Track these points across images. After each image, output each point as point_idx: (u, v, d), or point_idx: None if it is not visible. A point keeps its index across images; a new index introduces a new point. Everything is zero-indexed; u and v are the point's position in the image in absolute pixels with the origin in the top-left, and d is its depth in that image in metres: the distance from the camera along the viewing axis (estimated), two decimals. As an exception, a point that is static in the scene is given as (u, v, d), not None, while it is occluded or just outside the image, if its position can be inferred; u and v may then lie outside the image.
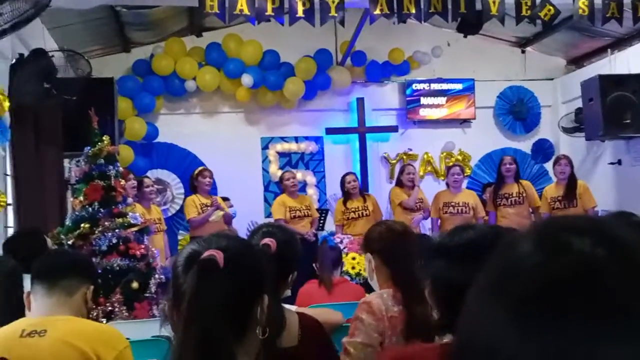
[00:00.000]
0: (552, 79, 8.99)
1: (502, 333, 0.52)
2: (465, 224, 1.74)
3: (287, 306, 2.07)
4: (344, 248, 5.90)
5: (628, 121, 6.93)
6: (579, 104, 7.65)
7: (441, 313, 1.54)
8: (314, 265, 4.13)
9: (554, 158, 7.43)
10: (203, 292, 1.19)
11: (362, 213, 6.76)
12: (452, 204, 6.80)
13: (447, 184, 7.06)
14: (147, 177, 6.76)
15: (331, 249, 4.34)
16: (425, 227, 7.27)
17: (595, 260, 0.53)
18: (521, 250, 0.57)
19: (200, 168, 6.89)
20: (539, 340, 0.50)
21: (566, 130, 8.33)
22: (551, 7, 5.78)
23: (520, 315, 0.52)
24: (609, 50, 7.77)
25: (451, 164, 8.30)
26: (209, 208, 6.51)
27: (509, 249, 0.59)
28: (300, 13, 5.23)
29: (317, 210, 7.47)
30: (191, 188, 6.82)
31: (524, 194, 6.76)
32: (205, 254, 1.23)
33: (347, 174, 7.09)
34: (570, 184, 6.60)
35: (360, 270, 5.76)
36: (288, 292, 2.14)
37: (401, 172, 7.12)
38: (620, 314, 0.49)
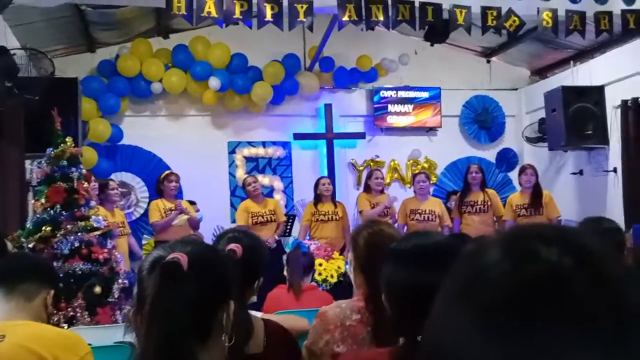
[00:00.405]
0: (516, 89, 9.14)
1: (467, 340, 0.52)
2: (417, 230, 1.76)
3: (252, 312, 2.06)
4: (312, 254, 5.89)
5: (589, 132, 7.10)
6: (542, 114, 7.80)
7: (394, 316, 1.55)
8: (284, 271, 4.12)
9: (519, 167, 7.56)
10: (165, 294, 1.17)
11: (332, 217, 6.80)
12: (419, 211, 6.87)
13: (415, 191, 7.13)
14: (112, 179, 6.66)
15: (303, 254, 4.33)
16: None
17: (563, 269, 0.53)
18: (489, 257, 0.57)
19: (166, 172, 6.83)
20: (504, 348, 0.50)
21: (530, 140, 8.49)
22: (516, 18, 5.88)
23: (486, 322, 0.52)
24: (571, 62, 7.93)
25: (417, 171, 8.38)
26: (173, 212, 6.45)
27: (476, 255, 0.59)
28: (268, 17, 5.22)
29: (285, 215, 7.45)
30: (157, 192, 6.76)
31: (489, 203, 6.87)
32: (169, 257, 1.22)
33: (322, 177, 7.17)
34: (536, 193, 6.73)
35: (326, 277, 5.77)
36: (254, 299, 2.12)
37: (369, 177, 7.18)
38: (587, 322, 0.50)
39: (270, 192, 8.21)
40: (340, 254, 6.10)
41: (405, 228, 6.92)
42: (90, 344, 2.06)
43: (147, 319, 1.17)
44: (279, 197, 8.22)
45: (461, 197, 7.04)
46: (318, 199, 6.91)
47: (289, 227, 7.22)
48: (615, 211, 6.68)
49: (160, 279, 1.18)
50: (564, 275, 0.52)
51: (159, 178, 6.78)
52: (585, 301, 0.51)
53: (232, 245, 1.77)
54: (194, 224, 6.64)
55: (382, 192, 7.16)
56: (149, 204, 7.37)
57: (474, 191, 6.94)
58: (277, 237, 6.80)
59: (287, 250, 7.22)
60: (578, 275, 0.52)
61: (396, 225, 7.11)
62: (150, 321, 1.16)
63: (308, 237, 6.71)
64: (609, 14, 6.00)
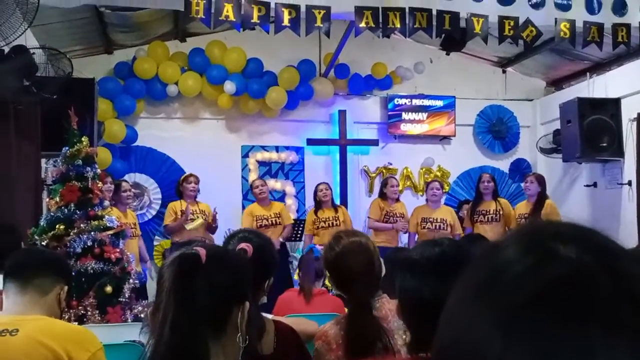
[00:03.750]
0: (531, 100, 9.11)
1: (486, 338, 0.52)
2: (432, 239, 1.73)
3: (262, 314, 2.06)
4: (320, 259, 5.89)
5: (604, 144, 7.05)
6: (557, 125, 7.76)
7: (413, 331, 1.52)
8: (296, 274, 4.11)
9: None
10: (182, 284, 1.19)
11: (333, 223, 6.80)
12: (430, 219, 6.85)
13: (427, 199, 7.11)
14: (125, 180, 6.71)
15: (316, 259, 4.32)
16: (403, 241, 7.30)
17: (586, 266, 0.53)
18: (509, 254, 0.56)
19: (186, 174, 6.90)
20: (527, 346, 0.50)
21: (544, 151, 8.44)
22: (533, 29, 5.87)
23: (508, 320, 0.52)
24: (588, 73, 7.90)
25: (430, 179, 8.37)
26: (181, 217, 6.50)
27: (495, 253, 0.58)
28: (286, 22, 5.24)
29: (295, 220, 7.46)
30: (177, 193, 6.83)
31: (501, 212, 6.84)
32: (188, 250, 1.23)
33: (320, 183, 7.15)
34: (538, 202, 6.70)
35: (336, 281, 5.74)
36: (264, 299, 2.12)
37: (384, 184, 7.19)
38: (613, 321, 0.49)
39: (282, 196, 8.22)
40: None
41: (417, 237, 6.90)
42: (101, 342, 2.07)
43: (162, 309, 1.18)
44: (290, 202, 8.23)
45: (473, 206, 7.02)
46: (318, 205, 6.92)
47: (299, 232, 7.21)
48: (629, 225, 6.63)
49: (178, 269, 1.20)
50: (588, 273, 0.52)
51: (179, 180, 6.85)
52: (610, 299, 0.50)
53: (243, 245, 1.77)
54: (212, 230, 6.68)
55: (397, 200, 7.16)
56: (162, 205, 7.42)
57: (486, 200, 6.92)
58: (281, 240, 6.79)
59: (297, 254, 7.25)
60: (601, 273, 0.52)
61: (407, 233, 7.11)
62: (166, 311, 1.17)
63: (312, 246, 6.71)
64: (627, 26, 5.98)
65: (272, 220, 6.80)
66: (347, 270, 2.17)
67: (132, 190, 6.61)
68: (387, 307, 2.15)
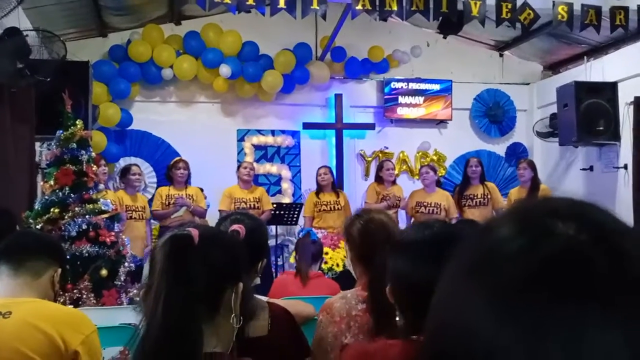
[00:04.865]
0: (528, 84, 9.08)
1: (479, 318, 0.51)
2: (425, 221, 1.71)
3: (256, 296, 2.05)
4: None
5: (601, 128, 7.04)
6: (554, 109, 7.75)
7: (405, 315, 1.51)
8: (294, 257, 4.13)
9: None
10: (175, 264, 1.18)
11: (334, 207, 6.81)
12: (425, 203, 6.86)
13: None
14: (136, 164, 6.73)
15: (313, 242, 4.34)
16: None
17: (583, 244, 0.51)
18: (503, 233, 0.55)
19: (175, 159, 6.89)
20: (521, 326, 0.49)
21: (540, 135, 8.44)
22: (531, 11, 5.84)
23: (501, 299, 0.51)
24: (585, 57, 7.87)
25: (426, 164, 8.37)
26: (172, 206, 6.51)
27: (489, 232, 0.57)
28: (282, 4, 5.20)
29: (291, 204, 7.45)
30: (167, 178, 6.82)
31: (489, 196, 6.87)
32: (181, 231, 1.22)
33: (321, 167, 7.15)
34: (533, 187, 6.73)
35: (332, 265, 5.77)
36: (257, 280, 2.12)
37: (380, 168, 7.19)
38: (608, 300, 0.48)
39: (278, 180, 8.22)
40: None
41: (412, 220, 6.91)
42: (95, 325, 2.07)
43: (155, 290, 1.17)
44: (286, 185, 8.23)
45: (460, 190, 7.03)
46: (319, 188, 6.92)
47: (295, 215, 7.20)
48: (624, 208, 6.64)
49: (170, 250, 1.19)
50: (585, 251, 0.51)
51: (168, 165, 6.83)
52: (606, 278, 0.49)
53: (235, 226, 1.76)
54: (199, 214, 6.67)
55: (394, 182, 7.16)
56: (157, 189, 7.40)
57: (474, 185, 6.94)
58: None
59: (293, 239, 7.26)
60: (598, 251, 0.51)
61: (404, 211, 7.12)
62: (158, 292, 1.17)
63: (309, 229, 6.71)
64: (625, 9, 5.95)
65: (250, 204, 6.76)
66: (372, 238, 2.18)
67: (141, 174, 6.61)
68: None
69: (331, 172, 7.11)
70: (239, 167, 7.10)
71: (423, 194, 6.96)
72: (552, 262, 0.50)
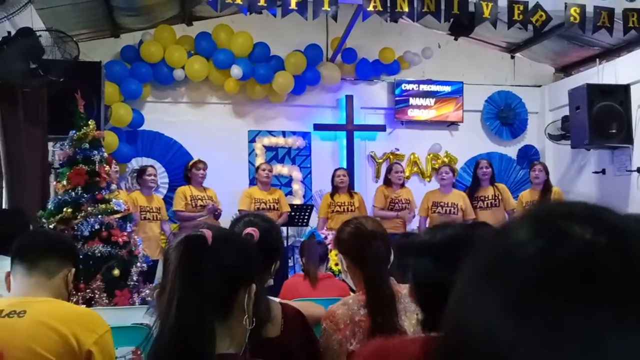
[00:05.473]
0: (540, 86, 9.04)
1: (496, 322, 0.51)
2: (446, 221, 1.72)
3: (269, 297, 2.05)
4: (328, 244, 5.89)
5: (613, 131, 7.01)
6: (565, 111, 7.71)
7: (426, 313, 1.52)
8: (300, 259, 4.13)
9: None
10: (188, 265, 1.18)
11: (348, 208, 6.83)
12: (442, 203, 6.85)
13: (439, 184, 7.12)
14: (152, 166, 6.78)
15: (318, 243, 4.33)
16: (412, 227, 7.31)
17: (599, 248, 0.51)
18: (519, 236, 0.55)
19: (195, 159, 6.95)
20: (538, 329, 0.49)
21: (552, 138, 8.39)
22: (543, 13, 5.82)
23: (518, 303, 0.50)
24: (597, 60, 7.83)
25: (437, 165, 8.37)
26: (200, 201, 6.54)
27: (504, 235, 0.57)
28: (293, 5, 5.21)
29: (302, 205, 7.46)
30: (185, 179, 6.88)
31: (500, 197, 6.86)
32: (195, 231, 1.23)
33: (338, 169, 7.19)
34: (545, 190, 6.70)
35: (342, 266, 5.75)
36: (270, 282, 2.12)
37: (389, 170, 7.19)
38: (626, 303, 0.48)
39: (288, 181, 8.23)
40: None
41: (428, 221, 6.91)
42: (108, 324, 2.07)
43: (168, 291, 1.17)
44: (297, 187, 8.23)
45: (471, 192, 7.02)
46: (334, 190, 6.94)
47: (306, 217, 7.21)
48: (637, 212, 6.58)
49: (184, 250, 1.20)
50: (601, 255, 0.51)
51: (187, 165, 6.88)
52: (623, 281, 0.49)
53: (249, 229, 1.76)
54: (218, 216, 6.72)
55: (402, 185, 7.15)
56: (169, 189, 7.43)
57: (484, 186, 6.94)
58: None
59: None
60: (614, 254, 0.50)
61: (416, 218, 7.11)
62: (172, 293, 1.17)
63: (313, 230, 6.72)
64: (638, 11, 5.92)
65: (270, 205, 6.82)
66: (363, 239, 2.20)
67: (156, 175, 6.66)
68: (395, 288, 2.16)
69: (348, 174, 7.13)
70: (257, 169, 7.13)
71: (439, 194, 6.96)
72: (569, 266, 0.50)
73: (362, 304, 2.14)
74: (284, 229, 7.25)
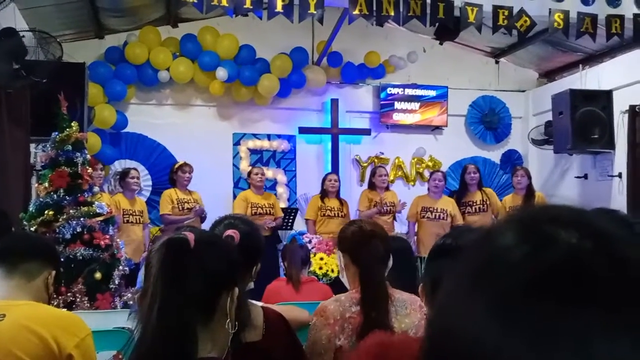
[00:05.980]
0: (524, 91, 9.11)
1: (482, 327, 0.51)
2: (466, 226, 1.75)
3: (251, 301, 2.05)
4: (312, 248, 5.90)
5: (596, 136, 7.07)
6: (549, 117, 7.77)
7: None
8: (282, 263, 4.12)
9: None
10: (170, 269, 1.17)
11: (338, 214, 6.84)
12: (431, 209, 6.86)
13: (429, 189, 7.11)
14: (135, 168, 6.72)
15: (300, 247, 4.33)
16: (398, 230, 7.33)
17: (585, 252, 0.51)
18: (505, 241, 0.55)
19: (180, 162, 6.89)
20: (525, 334, 0.49)
21: (535, 142, 8.46)
22: (527, 18, 5.85)
23: (505, 308, 0.50)
24: (580, 65, 7.91)
25: (422, 170, 8.40)
26: (186, 204, 6.53)
27: (490, 239, 0.56)
28: (279, 8, 5.20)
29: (287, 209, 7.45)
30: (170, 182, 6.82)
31: (488, 202, 6.88)
32: (177, 234, 1.22)
33: (330, 173, 7.27)
34: (528, 195, 6.75)
35: (327, 270, 5.76)
36: (251, 285, 2.11)
37: (373, 174, 7.21)
38: (614, 307, 0.48)
39: (273, 185, 8.20)
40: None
41: (416, 226, 6.92)
42: (89, 328, 2.05)
43: (150, 295, 1.16)
44: (282, 190, 8.21)
45: (459, 197, 7.04)
46: (324, 194, 6.94)
47: (290, 221, 7.20)
48: (618, 216, 6.65)
49: (166, 253, 1.19)
50: (587, 259, 0.51)
51: (172, 168, 6.83)
52: (610, 285, 0.49)
53: (230, 232, 1.75)
54: (201, 218, 6.70)
55: (387, 189, 7.17)
56: (152, 192, 7.38)
57: (472, 191, 6.96)
58: (274, 224, 6.78)
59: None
60: (601, 258, 0.51)
61: (404, 218, 7.13)
62: (154, 297, 1.16)
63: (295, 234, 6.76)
64: (621, 17, 5.97)
65: (267, 210, 6.82)
66: (365, 238, 2.26)
67: (139, 178, 6.62)
68: (389, 290, 2.20)
69: (339, 180, 7.13)
70: (249, 173, 7.10)
71: (429, 199, 6.96)
72: (555, 270, 0.50)
73: (354, 301, 2.16)
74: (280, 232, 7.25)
